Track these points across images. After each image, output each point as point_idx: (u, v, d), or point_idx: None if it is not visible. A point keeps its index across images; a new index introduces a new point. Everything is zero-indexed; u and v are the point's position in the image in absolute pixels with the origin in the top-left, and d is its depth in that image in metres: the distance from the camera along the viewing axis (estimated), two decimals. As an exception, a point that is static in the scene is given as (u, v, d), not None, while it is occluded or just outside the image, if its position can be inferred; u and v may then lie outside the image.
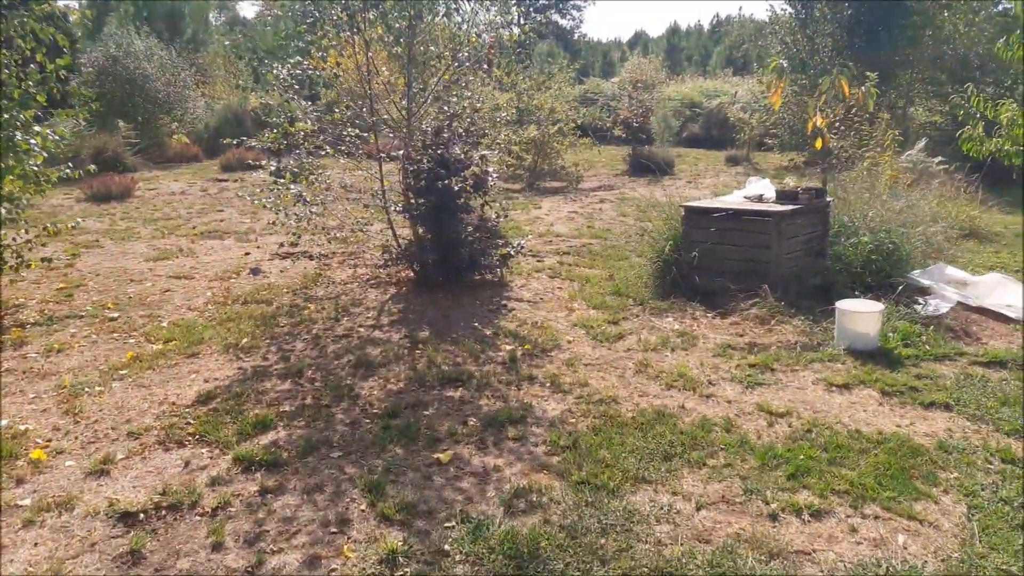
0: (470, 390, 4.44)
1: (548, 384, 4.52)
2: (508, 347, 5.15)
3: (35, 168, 6.19)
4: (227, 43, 27.05)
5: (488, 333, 5.47)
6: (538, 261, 7.88)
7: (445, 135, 6.11)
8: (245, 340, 5.30)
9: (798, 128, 16.41)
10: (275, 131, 6.10)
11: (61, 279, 7.30)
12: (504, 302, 6.27)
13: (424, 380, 4.57)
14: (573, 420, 4.03)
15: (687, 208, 6.70)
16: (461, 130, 6.30)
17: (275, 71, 5.89)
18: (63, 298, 6.61)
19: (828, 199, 6.98)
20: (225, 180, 14.60)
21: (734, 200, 7.11)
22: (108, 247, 8.98)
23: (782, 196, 6.75)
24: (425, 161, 6.01)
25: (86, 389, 4.46)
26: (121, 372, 4.74)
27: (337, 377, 4.64)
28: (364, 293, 6.57)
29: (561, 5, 53.01)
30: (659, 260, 6.68)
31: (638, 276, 6.90)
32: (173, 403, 4.26)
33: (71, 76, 18.61)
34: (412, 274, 6.77)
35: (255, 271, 7.47)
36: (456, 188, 5.96)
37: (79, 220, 7.27)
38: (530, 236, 9.27)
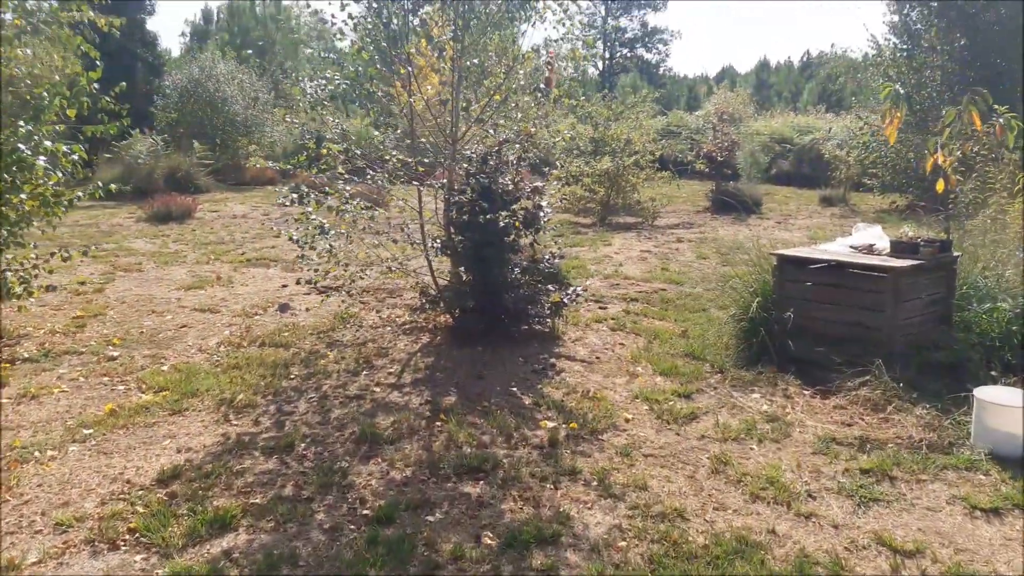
0: (493, 486, 3.45)
1: (595, 484, 3.49)
2: (550, 424, 4.14)
3: (54, 188, 5.69)
4: (306, 65, 27.42)
5: (527, 403, 4.48)
6: (600, 308, 6.85)
7: (492, 162, 5.22)
8: (242, 396, 4.51)
9: (902, 167, 14.90)
10: (303, 155, 5.41)
11: (83, 305, 6.82)
12: (552, 360, 5.28)
13: (438, 467, 3.62)
14: (623, 544, 2.98)
15: (780, 257, 5.56)
16: (512, 158, 5.40)
17: (301, 84, 5.18)
18: (73, 328, 6.07)
19: (955, 254, 5.70)
20: (290, 205, 14.24)
21: (838, 250, 5.89)
22: (148, 271, 8.55)
23: (899, 248, 5.52)
24: (468, 192, 5.14)
25: (36, 453, 3.73)
26: (87, 432, 4.00)
27: (332, 455, 3.75)
28: (394, 340, 5.72)
29: (647, 40, 52.15)
30: (744, 319, 5.55)
31: (718, 335, 5.76)
32: (128, 481, 3.47)
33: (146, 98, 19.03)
34: (450, 320, 5.88)
35: (283, 307, 6.77)
36: (502, 224, 5.05)
37: (90, 247, 6.77)
38: (595, 277, 8.26)
